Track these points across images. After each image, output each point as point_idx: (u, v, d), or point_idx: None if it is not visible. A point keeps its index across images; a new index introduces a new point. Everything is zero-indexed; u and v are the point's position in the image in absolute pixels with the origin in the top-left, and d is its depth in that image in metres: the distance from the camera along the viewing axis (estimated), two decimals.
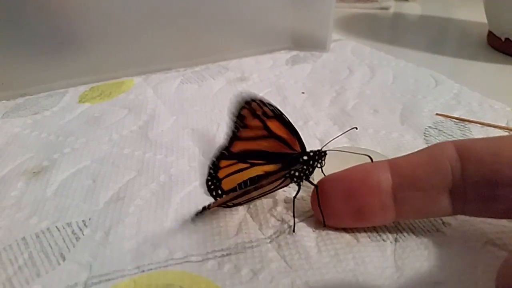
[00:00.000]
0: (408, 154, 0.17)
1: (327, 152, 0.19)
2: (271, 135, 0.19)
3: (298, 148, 0.19)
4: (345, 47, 0.41)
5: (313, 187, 0.18)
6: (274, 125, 0.19)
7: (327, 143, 0.19)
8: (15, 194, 0.21)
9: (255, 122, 0.19)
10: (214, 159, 0.21)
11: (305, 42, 0.40)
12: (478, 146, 0.15)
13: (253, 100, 0.19)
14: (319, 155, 0.18)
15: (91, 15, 0.31)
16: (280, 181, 0.18)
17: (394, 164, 0.16)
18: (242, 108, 0.19)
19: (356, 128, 0.21)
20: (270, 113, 0.19)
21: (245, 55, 0.39)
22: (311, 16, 0.38)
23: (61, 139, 0.26)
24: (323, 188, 0.18)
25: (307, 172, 0.18)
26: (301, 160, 0.18)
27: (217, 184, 0.21)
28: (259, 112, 0.19)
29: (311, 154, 0.18)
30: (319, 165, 0.19)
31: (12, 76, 0.31)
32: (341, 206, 0.17)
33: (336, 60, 0.38)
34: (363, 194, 0.16)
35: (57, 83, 0.33)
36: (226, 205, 0.19)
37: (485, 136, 0.25)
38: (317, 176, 0.19)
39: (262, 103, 0.19)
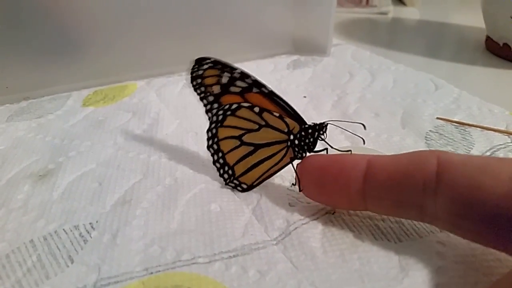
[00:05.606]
0: (390, 157, 0.17)
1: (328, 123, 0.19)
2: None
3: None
4: (345, 51, 0.42)
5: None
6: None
7: (329, 121, 0.20)
8: (21, 197, 0.21)
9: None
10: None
11: (306, 47, 0.40)
12: (460, 163, 0.15)
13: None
14: (320, 127, 0.19)
15: (94, 20, 0.32)
16: (284, 152, 0.19)
17: (371, 165, 0.17)
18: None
19: (364, 127, 0.20)
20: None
21: (246, 59, 0.39)
22: (311, 21, 0.39)
23: (66, 142, 0.26)
24: (304, 166, 0.19)
25: (309, 143, 0.19)
26: (303, 127, 0.19)
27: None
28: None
29: (316, 127, 0.19)
30: (321, 137, 0.19)
31: (15, 79, 0.31)
32: (315, 190, 0.19)
33: (336, 65, 0.39)
34: (333, 189, 0.18)
35: (60, 87, 0.33)
36: (242, 187, 0.21)
37: (485, 140, 0.25)
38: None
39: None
